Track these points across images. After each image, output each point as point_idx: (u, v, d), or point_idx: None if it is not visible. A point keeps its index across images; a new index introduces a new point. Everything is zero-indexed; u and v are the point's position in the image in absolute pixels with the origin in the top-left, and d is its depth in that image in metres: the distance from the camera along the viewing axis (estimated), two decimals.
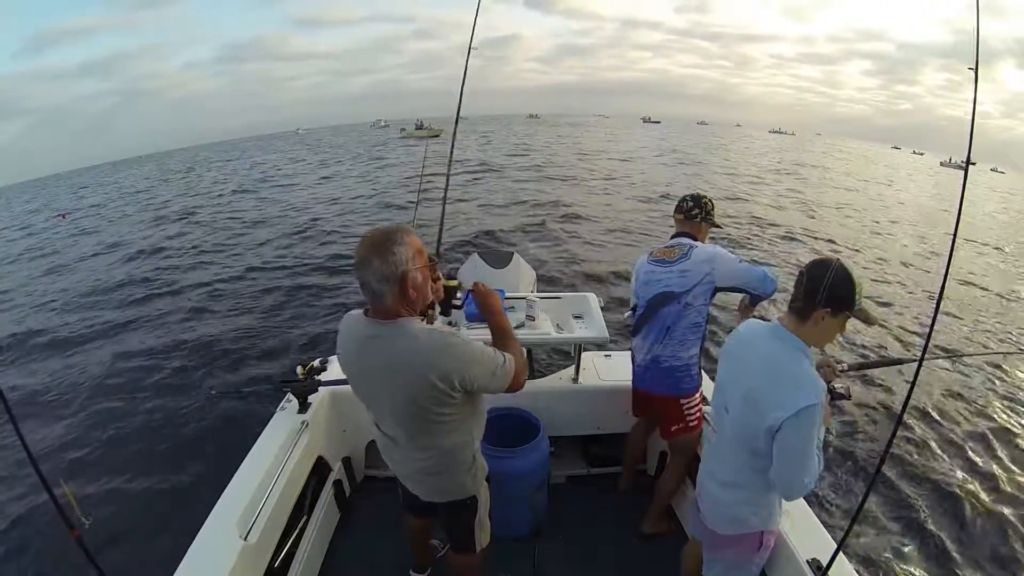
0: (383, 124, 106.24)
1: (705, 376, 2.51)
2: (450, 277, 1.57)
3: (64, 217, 19.81)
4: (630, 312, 2.30)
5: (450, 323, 2.28)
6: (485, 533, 1.65)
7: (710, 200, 2.17)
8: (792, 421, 1.20)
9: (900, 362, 2.07)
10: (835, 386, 1.47)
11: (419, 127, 50.79)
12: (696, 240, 2.11)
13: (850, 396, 1.46)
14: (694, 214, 2.14)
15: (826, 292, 1.21)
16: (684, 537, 2.35)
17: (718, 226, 2.21)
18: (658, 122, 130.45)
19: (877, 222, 14.92)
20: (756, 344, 1.36)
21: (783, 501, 1.49)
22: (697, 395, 2.19)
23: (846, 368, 1.59)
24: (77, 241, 14.32)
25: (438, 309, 1.55)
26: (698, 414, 2.20)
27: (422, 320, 1.30)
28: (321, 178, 18.65)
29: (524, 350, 1.49)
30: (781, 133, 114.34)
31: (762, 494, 1.43)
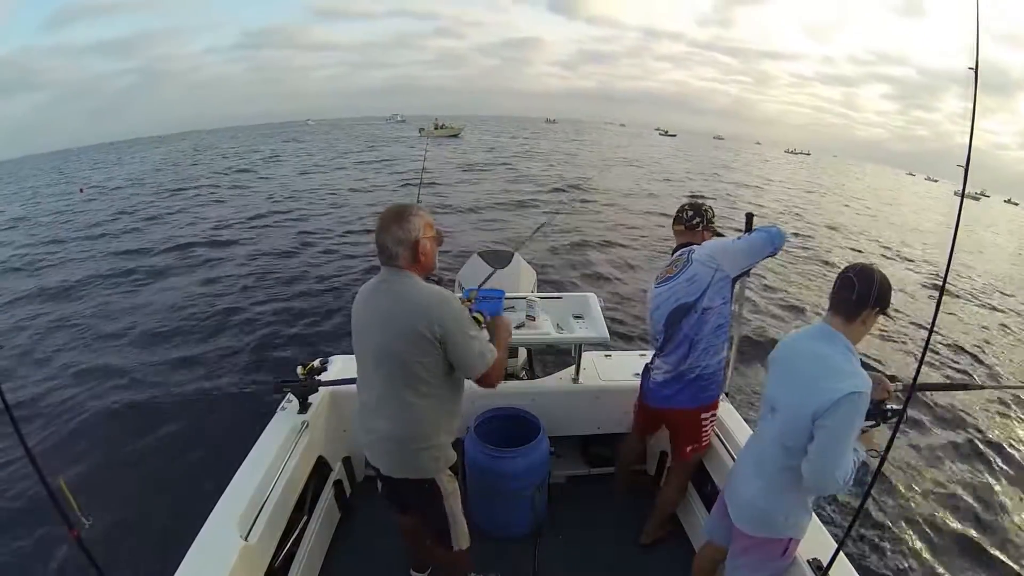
0: (399, 119, 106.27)
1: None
2: (478, 312, 1.77)
3: (82, 191, 20.35)
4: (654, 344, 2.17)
5: None
6: (462, 534, 1.66)
7: (710, 208, 2.11)
8: (834, 407, 1.26)
9: (965, 387, 2.04)
10: (887, 406, 1.47)
11: (438, 127, 50.42)
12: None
13: (902, 418, 1.42)
14: (695, 223, 2.07)
15: (876, 293, 1.34)
16: (684, 537, 2.35)
17: (720, 234, 2.13)
18: (674, 135, 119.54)
19: None
20: (805, 345, 1.45)
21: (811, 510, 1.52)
22: (717, 406, 2.12)
23: (900, 387, 1.55)
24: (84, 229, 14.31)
25: None
26: (712, 429, 2.14)
27: None
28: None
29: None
30: (797, 154, 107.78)
31: (795, 499, 1.47)
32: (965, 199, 1.52)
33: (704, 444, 2.14)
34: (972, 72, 1.45)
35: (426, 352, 1.42)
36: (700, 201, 2.13)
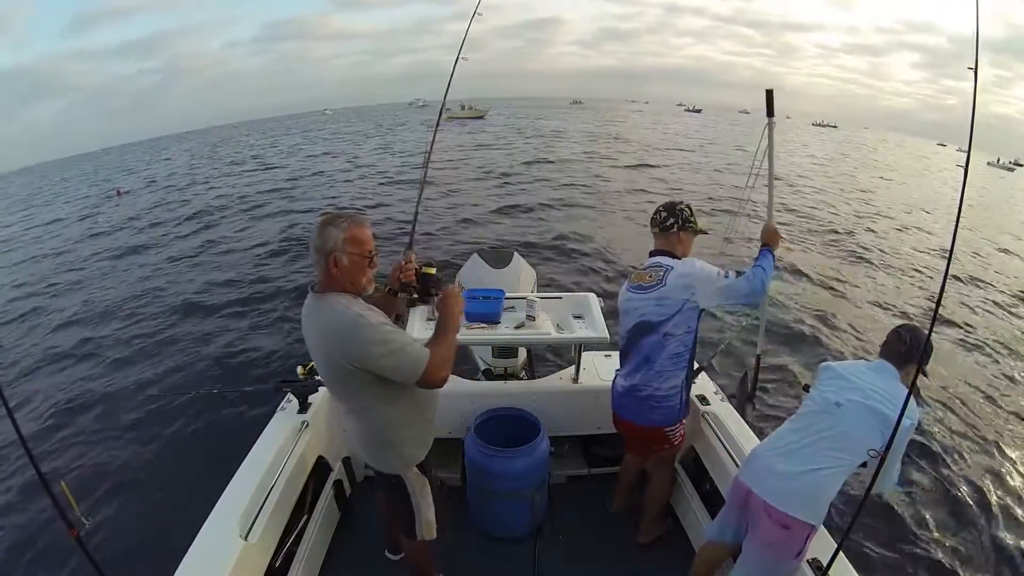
0: (421, 104, 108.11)
1: (705, 376, 2.49)
2: (428, 264, 1.68)
3: (119, 194, 19.19)
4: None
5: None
6: (427, 527, 1.65)
7: (687, 206, 1.96)
8: (910, 427, 1.53)
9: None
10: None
11: (463, 107, 53.41)
12: (675, 257, 1.93)
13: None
14: (668, 224, 1.93)
15: (921, 352, 1.59)
16: (684, 537, 2.35)
17: (703, 231, 2.01)
18: (699, 111, 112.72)
19: None
20: (875, 373, 1.66)
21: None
22: (679, 425, 2.05)
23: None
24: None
25: (412, 295, 1.69)
26: (682, 433, 2.10)
27: (354, 297, 1.41)
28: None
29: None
30: (824, 126, 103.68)
31: (831, 489, 1.57)
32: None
33: (676, 445, 2.11)
34: (972, 71, 1.42)
35: (356, 376, 1.37)
36: (676, 200, 2.01)
